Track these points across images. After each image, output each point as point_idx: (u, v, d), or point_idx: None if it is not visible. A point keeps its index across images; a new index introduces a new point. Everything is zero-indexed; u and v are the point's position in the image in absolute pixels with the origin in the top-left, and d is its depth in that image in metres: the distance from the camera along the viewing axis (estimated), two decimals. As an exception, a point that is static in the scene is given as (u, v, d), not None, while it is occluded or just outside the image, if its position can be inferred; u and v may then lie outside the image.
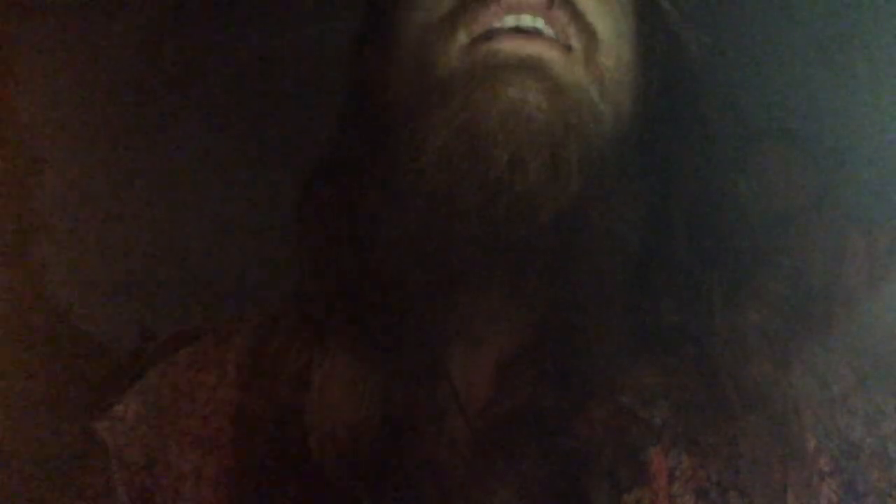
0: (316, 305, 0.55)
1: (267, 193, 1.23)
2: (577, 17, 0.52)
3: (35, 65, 1.31)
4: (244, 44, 1.31)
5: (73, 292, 1.32)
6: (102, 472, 0.60)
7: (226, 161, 1.33)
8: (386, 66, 0.56)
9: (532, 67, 0.49)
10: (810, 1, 1.13)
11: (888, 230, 1.10)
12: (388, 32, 0.56)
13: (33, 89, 1.31)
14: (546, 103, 0.48)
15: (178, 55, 1.32)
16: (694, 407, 0.51)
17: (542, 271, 0.51)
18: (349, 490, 0.50)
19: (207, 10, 1.31)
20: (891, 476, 0.53)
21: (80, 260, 1.32)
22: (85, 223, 1.33)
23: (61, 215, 1.32)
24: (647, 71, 0.56)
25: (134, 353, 1.32)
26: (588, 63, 0.52)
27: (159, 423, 0.60)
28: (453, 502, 0.49)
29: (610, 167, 0.51)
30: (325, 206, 0.57)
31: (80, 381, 1.24)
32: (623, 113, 0.53)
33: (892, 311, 0.97)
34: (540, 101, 0.48)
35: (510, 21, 0.51)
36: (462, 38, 0.51)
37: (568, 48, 0.51)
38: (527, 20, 0.51)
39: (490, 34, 0.50)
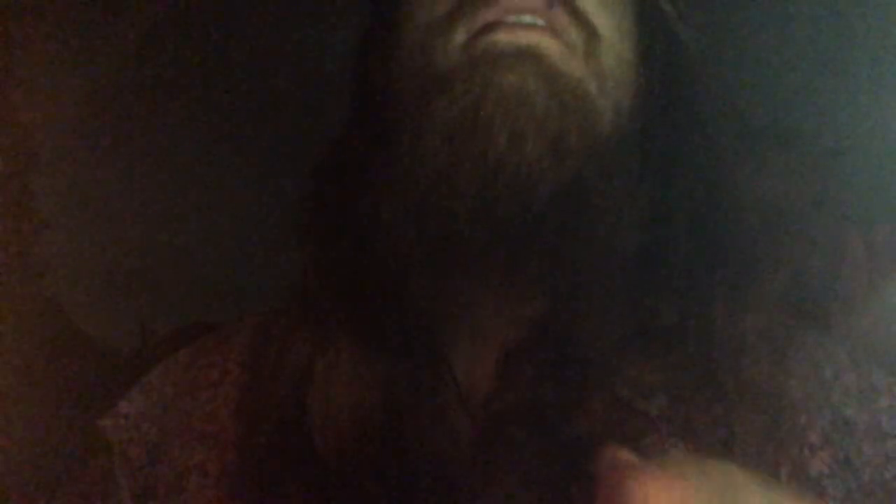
0: (318, 301, 0.56)
1: (267, 193, 1.23)
2: (578, 16, 0.53)
3: (35, 65, 1.31)
4: (244, 44, 1.31)
5: (73, 292, 1.32)
6: (103, 473, 0.61)
7: (225, 161, 1.32)
8: (388, 65, 0.57)
9: (531, 56, 0.50)
10: (810, 1, 1.13)
11: (888, 230, 1.09)
12: (391, 33, 0.57)
13: (33, 89, 1.31)
14: (544, 88, 0.50)
15: (178, 55, 1.32)
16: (691, 398, 0.52)
17: (542, 254, 0.51)
18: (352, 484, 0.50)
19: (207, 11, 1.31)
20: (886, 450, 0.53)
21: (80, 260, 1.32)
22: (85, 223, 1.33)
23: (61, 215, 1.32)
24: (646, 70, 0.56)
25: (134, 352, 1.32)
26: (588, 59, 0.53)
27: (162, 420, 0.60)
28: (455, 495, 0.50)
29: (610, 152, 0.52)
30: (327, 200, 0.57)
31: (80, 381, 1.24)
32: (622, 110, 0.54)
33: (893, 311, 0.98)
34: (538, 86, 0.49)
35: (510, 21, 0.52)
36: (461, 36, 0.52)
37: (567, 43, 0.52)
38: (526, 20, 0.52)
39: (488, 27, 0.51)
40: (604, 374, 0.50)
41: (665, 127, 0.56)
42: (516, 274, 0.51)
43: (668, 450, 0.49)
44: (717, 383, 0.51)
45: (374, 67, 0.58)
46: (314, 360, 0.53)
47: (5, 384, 1.21)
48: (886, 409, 0.53)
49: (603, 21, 0.53)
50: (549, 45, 0.50)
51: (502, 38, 0.50)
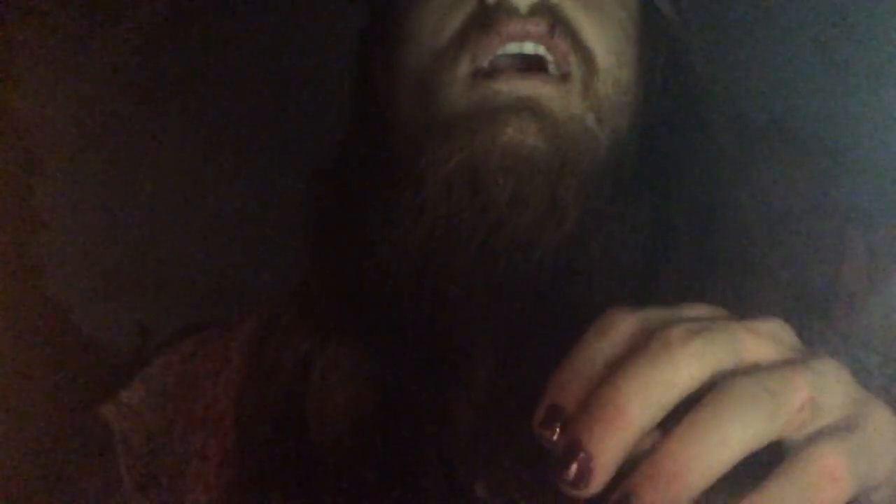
0: (318, 300, 0.56)
1: (267, 193, 1.23)
2: (578, 44, 0.55)
3: (35, 65, 1.31)
4: (244, 44, 1.31)
5: (73, 292, 1.32)
6: (103, 471, 0.61)
7: (226, 161, 1.33)
8: (392, 81, 0.58)
9: (529, 107, 0.52)
10: (811, 1, 1.13)
11: (888, 230, 1.09)
12: (394, 46, 0.58)
13: (33, 89, 1.31)
14: (543, 143, 0.51)
15: (178, 55, 1.32)
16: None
17: (542, 306, 0.53)
18: (350, 474, 0.51)
19: (207, 10, 1.31)
20: None
21: (80, 260, 1.33)
22: (85, 223, 1.33)
23: (61, 215, 1.32)
24: (647, 83, 0.57)
25: (134, 353, 1.32)
26: (586, 91, 0.55)
27: (163, 408, 0.61)
28: (453, 488, 0.50)
29: (608, 196, 0.54)
30: (328, 204, 0.58)
31: (80, 381, 1.24)
32: (621, 133, 0.56)
33: (893, 311, 0.98)
34: (538, 141, 0.51)
35: (512, 48, 0.54)
36: (465, 67, 0.54)
37: (566, 76, 0.54)
38: (529, 48, 0.54)
39: (491, 71, 0.53)
40: None
41: (666, 131, 0.56)
42: (515, 324, 0.52)
43: None
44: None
45: (375, 74, 0.59)
46: (313, 355, 0.54)
47: (4, 384, 1.21)
48: (877, 391, 0.53)
49: (603, 48, 0.54)
50: (548, 93, 0.52)
51: (503, 87, 0.51)
